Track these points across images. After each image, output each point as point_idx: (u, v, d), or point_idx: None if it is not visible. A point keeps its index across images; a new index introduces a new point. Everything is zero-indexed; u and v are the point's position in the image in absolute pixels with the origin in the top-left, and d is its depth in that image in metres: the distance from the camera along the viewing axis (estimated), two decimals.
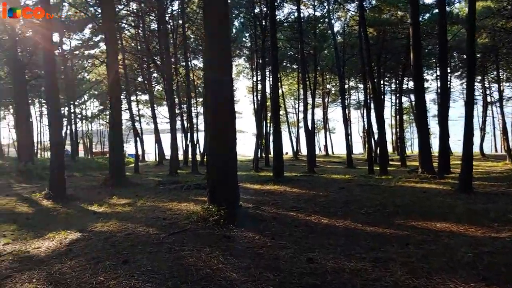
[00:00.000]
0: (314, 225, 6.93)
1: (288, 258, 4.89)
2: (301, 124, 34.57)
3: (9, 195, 12.05)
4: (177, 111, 32.50)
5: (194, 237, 5.90)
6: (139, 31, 32.11)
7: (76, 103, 44.21)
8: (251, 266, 4.52)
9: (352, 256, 4.99)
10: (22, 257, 5.37)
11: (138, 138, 43.36)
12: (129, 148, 49.08)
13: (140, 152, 45.99)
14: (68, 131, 34.65)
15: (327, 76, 46.72)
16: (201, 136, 36.62)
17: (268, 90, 26.75)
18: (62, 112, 43.96)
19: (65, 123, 42.60)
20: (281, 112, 51.38)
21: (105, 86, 37.25)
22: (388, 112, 49.58)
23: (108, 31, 15.41)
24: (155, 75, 38.94)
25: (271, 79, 20.70)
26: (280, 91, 43.79)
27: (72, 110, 35.86)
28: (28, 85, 28.24)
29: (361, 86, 45.52)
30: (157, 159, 36.38)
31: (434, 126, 45.58)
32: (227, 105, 7.69)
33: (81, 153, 53.81)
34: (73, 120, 35.98)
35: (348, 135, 30.59)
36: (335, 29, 36.08)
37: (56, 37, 33.56)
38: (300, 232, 6.39)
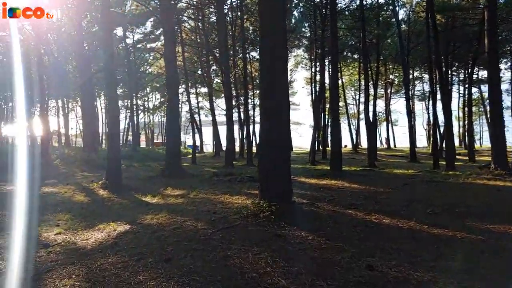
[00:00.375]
0: (375, 226, 6.31)
1: (345, 263, 4.37)
2: (362, 116, 33.45)
3: (70, 184, 12.44)
4: (234, 103, 32.60)
5: (242, 234, 5.53)
6: (199, 23, 32.40)
7: (139, 95, 45.79)
8: (302, 272, 4.05)
9: (418, 264, 4.37)
10: (69, 249, 5.29)
11: (196, 130, 44.33)
12: (189, 139, 50.06)
13: (198, 144, 46.99)
14: (131, 122, 35.99)
15: (390, 66, 44.76)
16: (257, 128, 36.40)
17: (327, 80, 25.90)
18: (126, 103, 45.85)
19: (128, 114, 44.36)
20: (341, 104, 50.00)
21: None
22: (455, 104, 46.64)
23: (166, 23, 15.47)
24: (214, 67, 39.24)
25: (330, 69, 20.00)
26: (340, 81, 42.61)
27: (134, 102, 36.97)
28: (94, 78, 29.42)
29: (426, 76, 43.28)
30: (214, 150, 36.70)
31: (506, 119, 42.33)
32: (281, 92, 7.23)
33: (143, 144, 55.83)
34: (135, 112, 37.14)
35: (411, 127, 29.00)
36: (400, 17, 34.30)
37: (120, 31, 34.84)
38: (358, 233, 5.81)
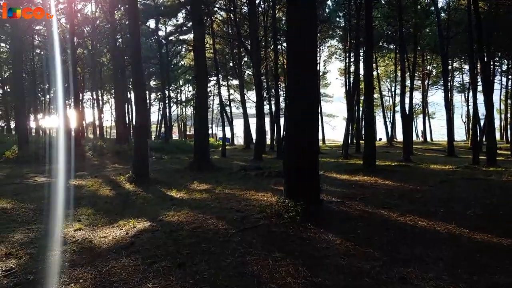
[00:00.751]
0: (409, 229, 5.79)
1: (375, 274, 3.93)
2: (397, 108, 32.35)
3: (98, 177, 12.45)
4: (265, 95, 32.20)
5: (264, 237, 5.17)
6: (231, 14, 32.10)
7: (171, 87, 46.11)
8: (326, 284, 3.66)
9: (459, 277, 3.87)
10: (84, 248, 5.11)
11: (227, 122, 44.26)
12: (221, 131, 50.16)
13: (229, 136, 46.96)
14: (163, 115, 36.27)
15: (428, 57, 43.04)
16: None
17: (361, 71, 25.06)
18: (159, 96, 46.29)
19: (160, 106, 44.80)
20: (376, 96, 48.82)
21: None
22: (496, 96, 44.45)
23: (195, 13, 15.23)
24: (245, 59, 38.93)
25: (364, 60, 19.29)
26: (375, 73, 41.46)
27: (167, 94, 37.20)
28: (127, 70, 29.72)
29: (466, 67, 41.39)
30: (245, 143, 36.52)
31: None
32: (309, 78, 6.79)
33: (176, 136, 56.35)
34: (167, 104, 37.37)
35: (449, 120, 27.74)
36: (439, 5, 32.75)
37: (152, 24, 35.03)
38: (391, 237, 5.33)
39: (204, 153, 14.89)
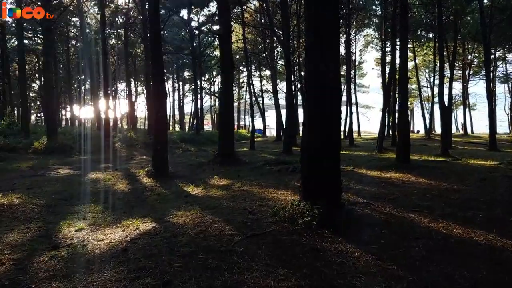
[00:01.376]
0: (442, 238, 4.97)
1: None
2: (436, 99, 30.72)
3: (119, 170, 12.19)
4: (298, 86, 31.34)
5: (272, 247, 4.55)
6: (263, 3, 31.36)
7: (204, 78, 45.96)
8: None
9: None
10: (74, 254, 4.66)
11: (259, 114, 43.70)
12: (255, 123, 49.66)
13: (261, 128, 46.39)
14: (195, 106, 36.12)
15: (469, 46, 40.68)
16: None
17: (398, 61, 23.78)
18: (192, 87, 46.28)
19: (192, 98, 44.76)
20: (414, 86, 46.95)
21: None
22: None
23: (222, 2, 14.66)
24: (278, 49, 38.14)
25: (399, 48, 18.11)
26: (413, 63, 39.79)
27: (198, 85, 37.01)
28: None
29: (510, 56, 39.02)
30: (277, 135, 35.87)
31: None
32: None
33: (208, 127, 56.37)
34: (199, 95, 37.19)
35: (492, 112, 25.99)
36: None
37: (185, 15, 34.81)
38: (420, 249, 4.56)
39: (229, 145, 14.35)
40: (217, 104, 58.77)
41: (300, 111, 34.25)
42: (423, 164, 12.79)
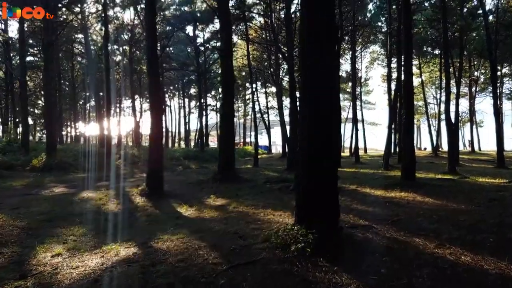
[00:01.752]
0: (449, 267, 4.44)
1: None
2: (443, 116, 30.18)
3: (113, 188, 11.79)
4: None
5: (259, 278, 4.06)
6: (268, 20, 31.31)
7: (210, 95, 45.86)
8: None
9: None
10: (40, 285, 4.21)
11: (265, 130, 43.29)
12: (261, 139, 49.16)
13: (267, 144, 45.97)
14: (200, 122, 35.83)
15: (475, 62, 40.27)
16: None
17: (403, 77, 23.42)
18: (197, 104, 46.19)
19: (197, 114, 44.57)
20: (420, 103, 46.44)
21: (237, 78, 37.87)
22: None
23: (222, 16, 14.45)
24: (284, 66, 38.00)
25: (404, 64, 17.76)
26: (419, 79, 39.39)
27: (203, 102, 36.85)
28: (165, 78, 29.52)
29: None
30: (281, 151, 35.46)
31: None
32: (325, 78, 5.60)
33: (214, 144, 56.07)
34: (204, 112, 36.98)
35: (499, 129, 25.40)
36: (487, 7, 30.34)
37: (191, 32, 34.88)
38: (424, 279, 4.06)
39: (229, 163, 13.93)
40: None
41: None
42: (429, 182, 12.27)
